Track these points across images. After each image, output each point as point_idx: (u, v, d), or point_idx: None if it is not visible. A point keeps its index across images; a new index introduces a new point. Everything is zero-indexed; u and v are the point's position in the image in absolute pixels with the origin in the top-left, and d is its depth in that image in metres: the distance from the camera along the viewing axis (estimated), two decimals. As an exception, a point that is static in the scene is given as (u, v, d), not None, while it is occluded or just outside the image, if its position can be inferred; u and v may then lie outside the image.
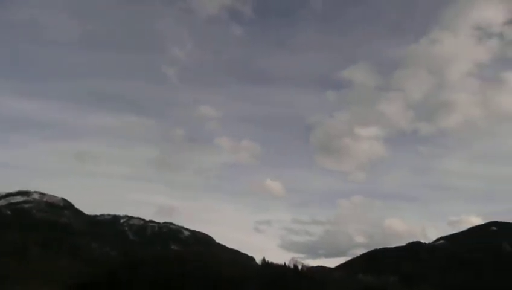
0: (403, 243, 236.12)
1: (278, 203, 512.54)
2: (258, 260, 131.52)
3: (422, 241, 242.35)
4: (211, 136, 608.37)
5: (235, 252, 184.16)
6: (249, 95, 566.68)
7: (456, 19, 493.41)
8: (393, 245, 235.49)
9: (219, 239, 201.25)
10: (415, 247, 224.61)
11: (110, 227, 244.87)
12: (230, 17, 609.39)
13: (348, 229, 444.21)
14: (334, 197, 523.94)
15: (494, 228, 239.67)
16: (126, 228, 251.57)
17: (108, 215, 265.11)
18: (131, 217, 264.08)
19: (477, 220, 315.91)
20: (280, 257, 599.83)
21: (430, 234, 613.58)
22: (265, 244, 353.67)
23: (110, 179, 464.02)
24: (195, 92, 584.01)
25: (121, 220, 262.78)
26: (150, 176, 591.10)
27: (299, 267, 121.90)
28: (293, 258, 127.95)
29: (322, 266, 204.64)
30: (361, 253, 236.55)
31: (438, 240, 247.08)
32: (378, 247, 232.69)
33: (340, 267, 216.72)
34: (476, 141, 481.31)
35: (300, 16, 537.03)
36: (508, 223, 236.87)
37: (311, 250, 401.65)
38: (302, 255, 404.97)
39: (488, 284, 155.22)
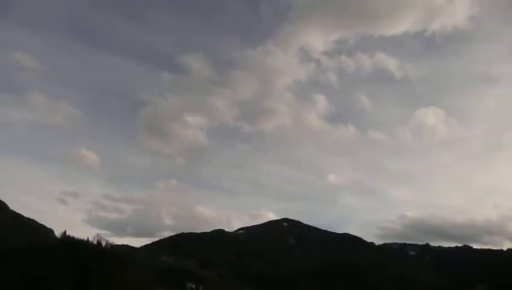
0: (208, 230, 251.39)
1: (91, 176, 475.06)
2: (58, 233, 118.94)
3: (226, 229, 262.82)
4: (22, 88, 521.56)
5: (31, 222, 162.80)
6: (79, 56, 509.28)
7: (289, 38, 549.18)
8: (199, 231, 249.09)
9: (14, 206, 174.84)
10: (219, 234, 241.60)
11: None
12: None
13: (160, 211, 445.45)
14: (151, 178, 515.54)
15: (285, 223, 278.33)
16: None
17: None
18: None
19: (273, 216, 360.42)
20: (84, 231, 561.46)
21: (233, 223, 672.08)
22: (70, 217, 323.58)
23: None
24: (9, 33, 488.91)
25: None
26: None
27: (103, 244, 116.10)
28: (97, 234, 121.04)
29: (127, 245, 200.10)
30: (168, 235, 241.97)
31: (239, 229, 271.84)
32: (185, 231, 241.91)
33: (145, 247, 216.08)
34: (285, 147, 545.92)
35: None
36: (296, 220, 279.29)
37: (119, 228, 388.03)
38: (108, 232, 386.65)
39: (272, 268, 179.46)
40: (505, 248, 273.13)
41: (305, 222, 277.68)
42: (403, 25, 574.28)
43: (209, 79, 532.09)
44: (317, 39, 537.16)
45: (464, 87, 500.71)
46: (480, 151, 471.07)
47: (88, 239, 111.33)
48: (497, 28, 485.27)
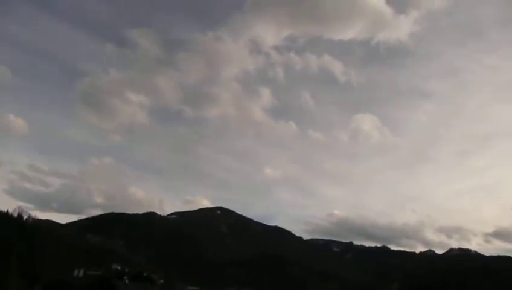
0: (140, 212, 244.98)
1: (17, 144, 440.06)
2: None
3: (158, 213, 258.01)
4: None
5: None
6: (15, 15, 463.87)
7: (241, 27, 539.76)
8: (131, 212, 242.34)
9: None
10: (150, 217, 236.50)
11: None
12: None
13: (90, 188, 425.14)
14: (85, 153, 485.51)
15: (219, 212, 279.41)
16: None
17: None
18: None
19: (208, 203, 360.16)
20: (4, 203, 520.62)
21: (166, 207, 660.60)
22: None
23: None
24: None
25: None
26: None
27: (24, 217, 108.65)
28: (18, 207, 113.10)
29: (51, 220, 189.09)
30: (97, 214, 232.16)
31: (171, 214, 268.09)
32: (115, 211, 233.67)
33: (71, 224, 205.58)
34: (226, 135, 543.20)
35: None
36: (231, 210, 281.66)
37: (43, 202, 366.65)
38: (31, 206, 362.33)
39: (202, 255, 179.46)
40: (417, 251, 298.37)
41: (239, 212, 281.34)
42: (350, 32, 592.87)
43: (155, 57, 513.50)
44: (268, 33, 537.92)
45: (400, 99, 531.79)
46: (407, 161, 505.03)
47: (8, 211, 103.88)
48: (435, 47, 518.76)
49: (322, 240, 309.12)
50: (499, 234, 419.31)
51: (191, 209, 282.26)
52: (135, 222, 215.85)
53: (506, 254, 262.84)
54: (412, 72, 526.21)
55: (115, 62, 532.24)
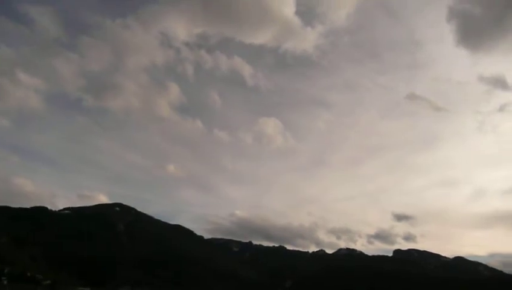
0: (27, 206, 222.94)
1: None
2: None
3: (49, 207, 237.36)
4: None
5: None
6: None
7: (152, 18, 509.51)
8: (16, 205, 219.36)
9: None
10: (39, 211, 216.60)
11: None
12: None
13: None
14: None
15: (118, 208, 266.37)
16: None
17: None
18: None
19: (105, 199, 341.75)
20: None
21: (59, 202, 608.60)
22: None
23: None
24: None
25: None
26: None
27: None
28: None
29: None
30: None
31: (64, 209, 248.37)
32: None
33: None
34: (129, 129, 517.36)
35: None
36: (130, 207, 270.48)
37: None
38: None
39: (95, 253, 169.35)
40: (310, 251, 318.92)
41: (138, 209, 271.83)
42: (261, 37, 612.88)
43: (55, 38, 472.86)
44: (180, 28, 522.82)
45: (303, 107, 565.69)
46: (305, 165, 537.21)
47: None
48: (337, 62, 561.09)
49: (223, 239, 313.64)
50: (379, 236, 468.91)
51: (87, 205, 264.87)
52: (21, 216, 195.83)
53: (384, 254, 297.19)
54: (315, 82, 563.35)
55: (6, 38, 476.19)
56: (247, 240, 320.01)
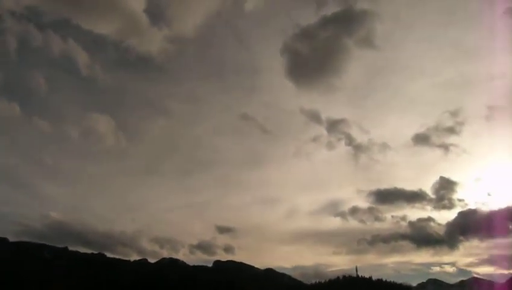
0: None
1: None
2: None
3: None
4: None
5: None
6: None
7: None
8: None
9: None
10: None
11: None
12: None
13: None
14: None
15: None
16: None
17: None
18: None
19: None
20: None
21: None
22: None
23: None
24: None
25: None
26: None
27: None
28: None
29: None
30: None
31: None
32: None
33: None
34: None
35: None
36: None
37: None
38: None
39: None
40: (132, 259, 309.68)
41: None
42: (104, 28, 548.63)
43: None
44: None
45: (140, 109, 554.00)
46: (137, 170, 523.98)
47: None
48: (182, 70, 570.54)
49: (32, 243, 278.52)
50: (201, 246, 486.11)
51: None
52: None
53: (205, 264, 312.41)
54: (157, 87, 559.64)
55: None
56: (62, 245, 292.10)
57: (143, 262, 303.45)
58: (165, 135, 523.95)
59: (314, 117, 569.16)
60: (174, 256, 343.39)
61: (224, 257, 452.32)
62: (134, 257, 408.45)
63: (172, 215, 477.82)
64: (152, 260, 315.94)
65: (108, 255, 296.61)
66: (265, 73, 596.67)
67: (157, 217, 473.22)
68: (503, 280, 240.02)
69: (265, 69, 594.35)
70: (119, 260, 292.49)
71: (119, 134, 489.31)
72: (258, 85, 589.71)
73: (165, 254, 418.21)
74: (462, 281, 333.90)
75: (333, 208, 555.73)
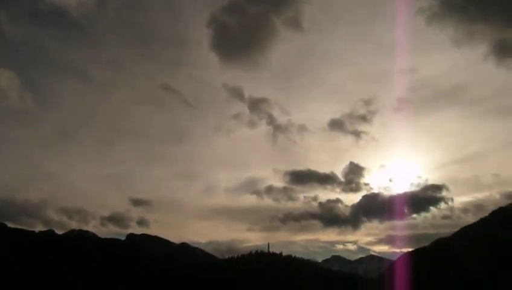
0: None
1: None
2: None
3: None
4: None
5: None
6: None
7: None
8: None
9: None
10: None
11: None
12: None
13: None
14: None
15: None
16: None
17: None
18: None
19: None
20: None
21: None
22: None
23: None
24: None
25: None
26: None
27: None
28: None
29: None
30: None
31: None
32: None
33: None
34: None
35: None
36: None
37: None
38: None
39: None
40: (37, 230, 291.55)
41: None
42: None
43: None
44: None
45: (55, 69, 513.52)
46: (47, 134, 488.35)
47: None
48: (104, 34, 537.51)
49: None
50: (113, 218, 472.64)
51: None
52: None
53: (117, 237, 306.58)
54: (78, 49, 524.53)
55: None
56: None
57: (49, 233, 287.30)
58: (82, 100, 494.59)
59: (237, 94, 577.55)
60: (84, 228, 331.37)
61: (138, 230, 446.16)
62: (39, 227, 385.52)
63: (85, 185, 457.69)
64: (59, 232, 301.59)
65: (10, 225, 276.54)
66: (191, 45, 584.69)
67: (68, 186, 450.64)
68: (394, 258, 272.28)
69: (191, 40, 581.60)
70: (22, 230, 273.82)
71: (25, 93, 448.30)
72: (183, 56, 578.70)
73: (74, 225, 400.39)
74: (360, 258, 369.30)
75: (250, 186, 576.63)
